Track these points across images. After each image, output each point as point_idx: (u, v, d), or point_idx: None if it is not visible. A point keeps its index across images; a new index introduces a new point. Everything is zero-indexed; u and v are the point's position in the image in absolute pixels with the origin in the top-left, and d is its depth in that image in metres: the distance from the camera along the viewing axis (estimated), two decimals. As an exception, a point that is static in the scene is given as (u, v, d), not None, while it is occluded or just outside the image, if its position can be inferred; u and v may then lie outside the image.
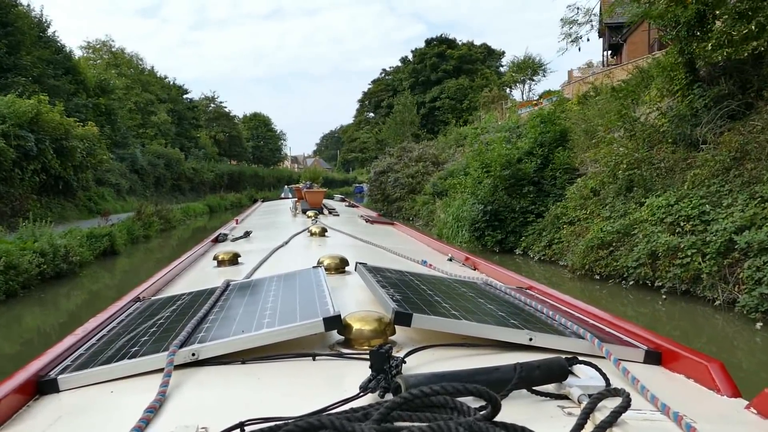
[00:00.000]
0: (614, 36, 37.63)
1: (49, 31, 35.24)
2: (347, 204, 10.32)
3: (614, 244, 11.14)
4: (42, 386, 1.44)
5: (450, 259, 3.63)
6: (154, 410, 1.19)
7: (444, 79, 56.52)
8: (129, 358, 1.50)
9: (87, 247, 15.77)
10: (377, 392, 1.18)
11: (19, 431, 1.24)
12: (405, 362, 1.33)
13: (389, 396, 1.15)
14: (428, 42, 61.11)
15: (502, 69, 62.50)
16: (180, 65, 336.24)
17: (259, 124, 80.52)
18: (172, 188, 44.50)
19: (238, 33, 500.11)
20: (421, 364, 1.42)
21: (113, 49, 51.42)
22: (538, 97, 37.09)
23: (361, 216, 7.50)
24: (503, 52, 65.77)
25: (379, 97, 66.41)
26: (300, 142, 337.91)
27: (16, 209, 19.86)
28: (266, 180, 69.45)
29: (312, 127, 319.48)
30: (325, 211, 7.31)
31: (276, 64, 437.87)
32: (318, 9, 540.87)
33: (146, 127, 48.64)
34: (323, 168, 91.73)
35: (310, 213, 6.60)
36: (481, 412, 0.91)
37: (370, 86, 70.13)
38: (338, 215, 7.19)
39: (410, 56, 63.11)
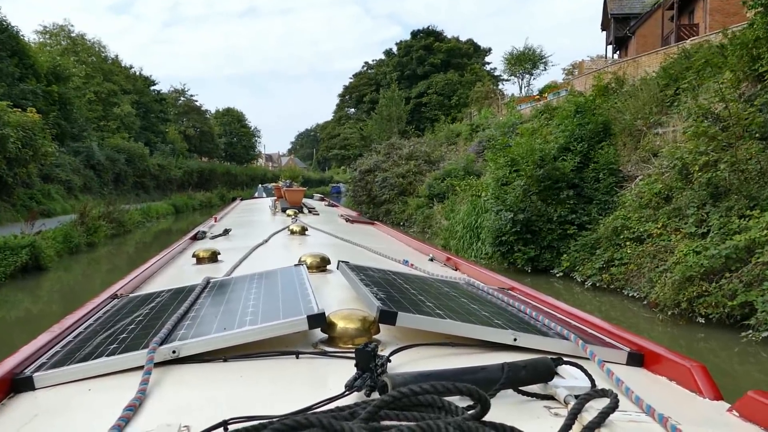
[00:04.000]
0: (620, 29, 34.73)
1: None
2: (327, 203, 10.03)
3: (724, 274, 7.90)
4: (17, 384, 1.40)
5: (431, 259, 3.57)
6: (133, 408, 1.16)
7: (431, 74, 53.28)
8: (107, 356, 1.46)
9: (1, 264, 12.08)
10: (363, 391, 1.16)
11: None
12: (390, 361, 1.32)
13: (375, 395, 1.14)
14: (414, 34, 57.73)
15: (488, 66, 59.83)
16: (154, 63, 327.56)
17: (232, 119, 76.63)
18: (134, 186, 40.48)
19: (213, 31, 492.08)
20: (405, 362, 1.40)
21: (72, 35, 47.22)
22: (538, 92, 33.94)
23: (341, 215, 7.41)
24: (490, 49, 62.93)
25: (361, 91, 62.75)
26: (275, 140, 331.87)
27: None
28: (239, 178, 65.55)
29: (287, 125, 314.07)
30: (305, 210, 7.22)
31: (252, 63, 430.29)
32: (293, 8, 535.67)
33: (108, 119, 44.58)
34: (299, 167, 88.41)
35: (289, 212, 6.53)
36: (470, 412, 0.91)
37: (351, 80, 66.51)
38: (318, 214, 7.05)
39: (395, 49, 59.86)
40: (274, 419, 0.85)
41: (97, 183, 34.34)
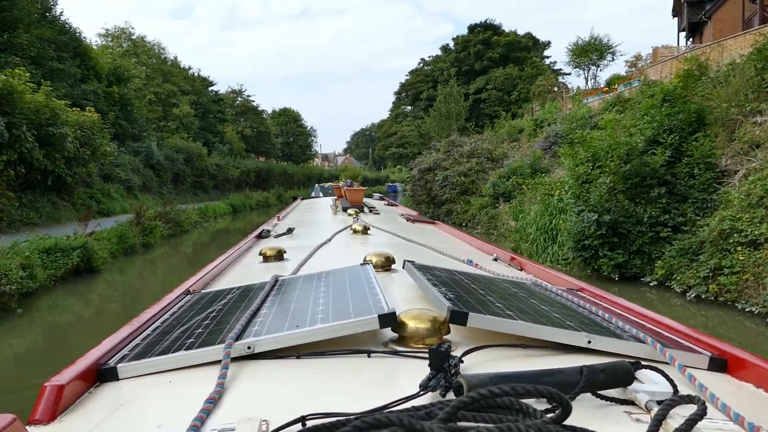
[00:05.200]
0: (694, 14, 32.53)
1: (56, 11, 31.53)
2: (386, 203, 9.93)
3: None
4: (102, 374, 1.45)
5: (495, 259, 3.53)
6: (214, 401, 1.19)
7: (490, 69, 51.67)
8: (185, 350, 1.50)
9: (50, 266, 11.59)
10: (438, 391, 1.15)
11: (82, 417, 1.25)
12: (462, 362, 1.31)
13: (450, 395, 1.13)
14: (471, 28, 56.25)
15: (547, 60, 57.76)
16: (210, 65, 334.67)
17: (289, 119, 76.84)
18: (192, 185, 40.57)
19: (268, 33, 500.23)
20: (476, 363, 1.39)
21: (133, 37, 47.89)
22: (605, 83, 32.10)
23: (402, 215, 7.38)
24: (549, 42, 60.80)
25: (418, 88, 61.55)
26: (330, 140, 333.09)
27: (-18, 210, 15.86)
28: (296, 178, 65.46)
29: (342, 125, 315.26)
30: (366, 210, 7.23)
31: (304, 63, 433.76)
32: (346, 9, 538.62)
33: (167, 119, 44.98)
34: (354, 166, 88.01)
35: (350, 211, 6.51)
36: (549, 415, 0.89)
37: (407, 77, 65.35)
38: (378, 213, 7.09)
39: (451, 44, 58.42)
40: (351, 416, 0.86)
41: (156, 182, 34.44)
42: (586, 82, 38.48)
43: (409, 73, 65.74)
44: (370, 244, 4.05)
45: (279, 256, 3.41)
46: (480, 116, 47.63)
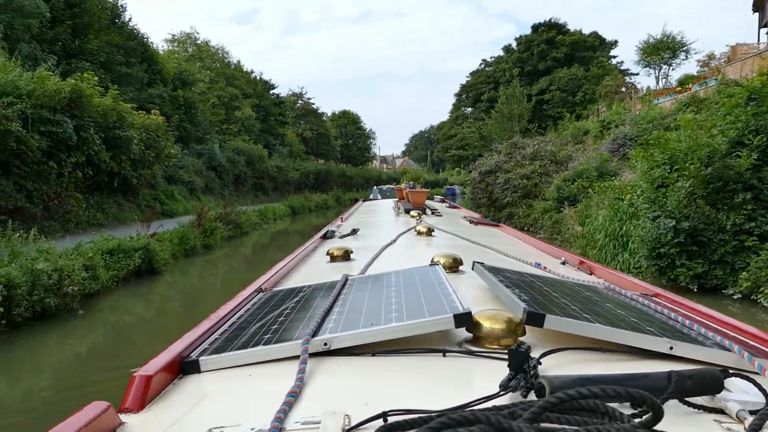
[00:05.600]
0: (776, 9, 30.71)
1: (125, 17, 32.45)
2: (447, 205, 9.98)
3: None
4: (184, 366, 1.51)
5: (563, 263, 3.47)
6: (295, 395, 1.22)
7: (554, 69, 50.38)
8: (264, 345, 1.56)
9: (112, 267, 11.69)
10: (519, 392, 1.16)
11: (169, 407, 1.30)
12: (540, 363, 1.30)
13: (531, 396, 1.13)
14: (535, 28, 55.05)
15: (614, 60, 55.90)
16: (271, 69, 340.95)
17: (348, 122, 77.17)
18: (253, 187, 41.07)
19: (328, 36, 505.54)
20: (554, 366, 1.39)
21: (198, 42, 49.00)
22: (677, 83, 30.65)
23: (464, 217, 7.31)
24: (616, 42, 58.85)
25: (479, 90, 60.66)
26: (388, 142, 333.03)
27: (51, 211, 16.26)
28: (354, 180, 65.61)
29: (400, 127, 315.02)
30: (428, 212, 7.22)
31: (363, 66, 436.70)
32: (405, 11, 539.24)
33: (230, 122, 45.76)
34: (413, 168, 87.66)
35: (413, 213, 6.55)
36: (637, 420, 0.88)
37: (468, 78, 64.59)
38: (441, 216, 7.06)
39: (514, 44, 57.35)
40: (433, 413, 0.87)
41: (218, 184, 34.98)
42: (657, 82, 36.91)
43: (470, 74, 64.94)
44: (434, 246, 4.08)
45: (346, 256, 3.48)
46: (543, 118, 46.48)
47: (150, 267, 13.16)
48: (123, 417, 1.24)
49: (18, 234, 9.59)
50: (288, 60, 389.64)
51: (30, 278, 8.34)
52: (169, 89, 33.86)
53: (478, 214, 9.20)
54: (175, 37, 48.29)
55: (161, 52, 39.56)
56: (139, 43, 32.25)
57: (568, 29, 55.43)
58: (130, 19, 32.91)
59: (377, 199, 14.52)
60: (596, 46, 54.64)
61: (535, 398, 1.08)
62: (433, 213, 7.40)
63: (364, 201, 11.66)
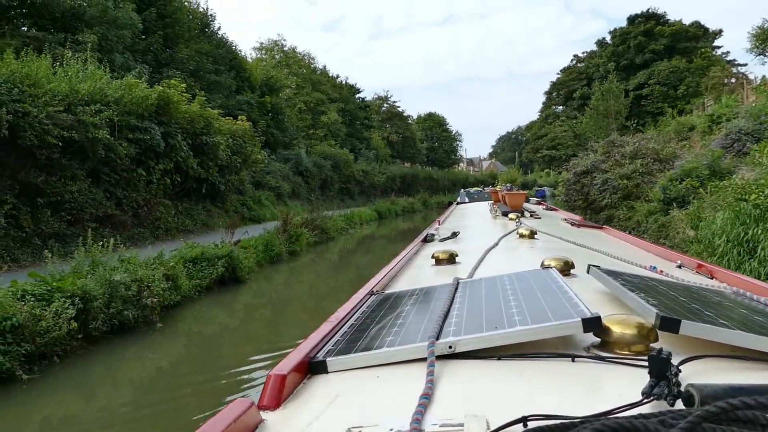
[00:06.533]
0: None
1: (214, 26, 33.13)
2: (545, 207, 9.78)
3: None
4: (313, 367, 1.56)
5: (679, 266, 3.30)
6: (428, 397, 1.23)
7: (652, 62, 47.47)
8: (388, 347, 1.58)
9: (195, 276, 11.39)
10: (663, 400, 1.13)
11: (302, 406, 1.33)
12: (680, 371, 1.24)
13: (678, 405, 1.10)
14: (631, 19, 52.11)
15: (718, 51, 52.06)
16: (357, 74, 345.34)
17: (434, 124, 76.29)
18: (339, 191, 40.98)
19: (413, 40, 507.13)
20: (694, 374, 1.35)
21: (285, 49, 49.67)
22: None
23: (564, 219, 7.10)
24: (720, 31, 54.82)
25: (570, 87, 58.17)
26: (474, 144, 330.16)
27: (141, 218, 16.38)
28: (440, 183, 64.60)
29: (486, 129, 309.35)
30: (526, 214, 7.08)
31: (448, 69, 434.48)
32: (490, 12, 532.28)
33: (316, 127, 46.03)
34: (500, 170, 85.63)
35: (511, 215, 6.50)
36: None
37: (558, 75, 62.16)
38: (540, 218, 6.90)
39: (608, 38, 54.53)
40: (576, 420, 0.87)
41: (305, 189, 35.03)
42: (772, 71, 33.72)
43: (561, 71, 62.52)
44: (538, 249, 4.03)
45: (451, 259, 3.47)
46: (641, 114, 43.80)
47: (234, 275, 12.82)
48: (262, 414, 1.28)
49: (101, 243, 9.35)
50: (372, 66, 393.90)
51: (107, 290, 8.02)
52: (257, 96, 34.26)
53: (579, 216, 8.75)
54: (263, 45, 49.20)
55: (250, 60, 40.27)
56: (227, 51, 32.82)
57: (668, 19, 52.13)
58: (219, 28, 33.63)
59: (465, 202, 14.39)
60: (699, 36, 51.07)
61: (683, 407, 1.04)
62: (531, 215, 7.21)
63: (458, 204, 11.68)
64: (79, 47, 16.45)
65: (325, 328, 1.86)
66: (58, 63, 14.32)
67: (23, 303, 6.76)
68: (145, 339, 8.77)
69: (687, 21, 53.88)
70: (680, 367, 1.27)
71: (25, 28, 20.90)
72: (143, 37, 25.52)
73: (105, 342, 8.18)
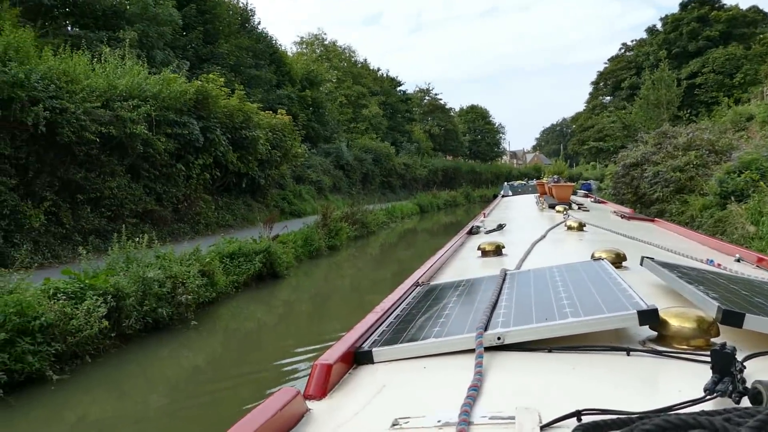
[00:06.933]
0: None
1: (254, 21, 33.13)
2: (593, 200, 9.66)
3: None
4: (358, 357, 1.55)
5: (738, 260, 3.18)
6: (477, 389, 1.21)
7: (706, 50, 45.59)
8: (434, 338, 1.56)
9: (232, 272, 11.21)
10: (726, 397, 1.08)
11: (349, 396, 1.33)
12: (745, 367, 1.18)
13: (744, 403, 1.05)
14: (684, 5, 50.07)
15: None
16: (397, 68, 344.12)
17: (477, 116, 75.34)
18: (381, 185, 40.66)
19: (453, 33, 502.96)
20: (760, 370, 1.27)
21: (325, 43, 49.55)
22: None
23: (614, 212, 6.90)
24: (780, 14, 52.26)
25: (618, 76, 56.41)
26: (518, 137, 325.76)
27: (181, 213, 16.35)
28: (483, 176, 63.70)
29: (530, 122, 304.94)
30: (574, 206, 6.99)
31: (488, 62, 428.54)
32: (532, 4, 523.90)
33: (357, 121, 45.81)
34: (544, 163, 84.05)
35: (559, 208, 6.44)
36: None
37: (606, 65, 60.39)
38: (588, 210, 6.85)
39: (659, 25, 52.66)
40: (633, 415, 0.85)
41: (346, 183, 34.82)
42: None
43: (608, 60, 60.62)
44: (587, 241, 3.97)
45: (497, 251, 3.45)
46: (694, 104, 42.13)
47: (272, 271, 12.60)
48: (308, 404, 1.27)
49: (137, 239, 9.21)
50: (413, 59, 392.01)
51: (140, 287, 7.83)
52: (297, 90, 34.16)
53: (629, 209, 8.57)
54: (304, 39, 49.18)
55: (290, 55, 40.23)
56: (267, 46, 32.78)
57: (724, 4, 49.98)
58: (258, 23, 33.61)
59: (508, 195, 14.20)
60: (757, 20, 48.79)
61: (749, 405, 1.00)
62: (579, 208, 7.10)
63: (503, 197, 11.53)
64: (120, 45, 16.46)
65: (371, 318, 1.86)
66: (96, 59, 14.32)
67: (54, 301, 6.59)
68: (180, 337, 8.58)
69: (744, 6, 51.73)
70: (745, 363, 1.22)
71: (69, 28, 21.17)
72: (183, 33, 25.61)
73: (139, 340, 8.01)
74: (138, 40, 19.87)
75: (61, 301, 6.69)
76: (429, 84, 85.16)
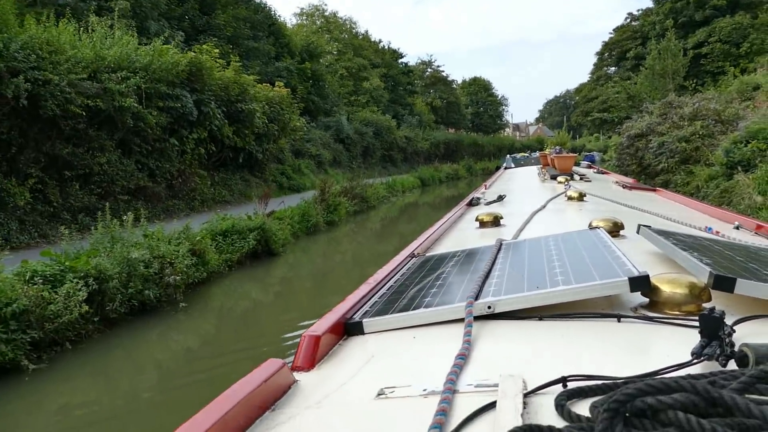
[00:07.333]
0: None
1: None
2: (596, 170, 9.54)
3: None
4: (349, 328, 1.56)
5: (737, 227, 3.24)
6: (464, 357, 1.20)
7: (713, 19, 44.62)
8: (425, 308, 1.56)
9: (225, 250, 10.88)
10: (714, 360, 1.07)
11: (337, 366, 1.33)
12: (734, 331, 1.18)
13: (731, 366, 1.04)
14: (692, -28, 49.05)
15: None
16: (401, 41, 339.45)
17: (479, 89, 74.47)
18: (382, 159, 40.14)
19: (457, 6, 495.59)
20: (749, 334, 1.25)
21: (326, 14, 48.66)
22: None
23: (616, 182, 6.98)
24: (788, -18, 50.99)
25: (623, 46, 55.34)
26: (521, 109, 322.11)
27: (175, 189, 15.98)
28: (485, 149, 62.99)
29: (533, 93, 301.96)
30: (576, 177, 6.95)
31: (495, 33, 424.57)
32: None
33: (358, 93, 45.13)
34: (547, 135, 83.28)
35: (560, 178, 6.40)
36: None
37: (611, 35, 59.29)
38: (590, 181, 6.80)
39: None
40: (619, 380, 0.84)
41: (346, 157, 34.35)
42: None
43: (614, 30, 59.43)
44: (587, 211, 3.93)
45: (495, 221, 3.43)
46: (699, 74, 41.36)
47: (267, 248, 12.27)
48: (296, 375, 1.27)
49: (124, 216, 8.86)
50: (418, 32, 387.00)
51: (125, 269, 7.51)
52: (296, 62, 33.53)
53: (632, 179, 8.64)
54: (304, 11, 48.27)
55: (290, 26, 39.49)
56: (266, 17, 32.09)
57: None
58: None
59: (511, 168, 14.06)
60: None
61: (736, 368, 0.99)
62: (581, 178, 7.06)
63: (506, 168, 11.46)
64: (111, 14, 15.93)
65: (363, 289, 1.84)
66: (83, 30, 13.82)
67: (29, 286, 6.26)
68: (169, 319, 8.28)
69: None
70: (734, 328, 1.20)
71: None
72: (179, 3, 24.97)
73: (125, 324, 7.71)
74: (131, 10, 19.31)
75: (37, 285, 6.37)
76: (431, 56, 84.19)
